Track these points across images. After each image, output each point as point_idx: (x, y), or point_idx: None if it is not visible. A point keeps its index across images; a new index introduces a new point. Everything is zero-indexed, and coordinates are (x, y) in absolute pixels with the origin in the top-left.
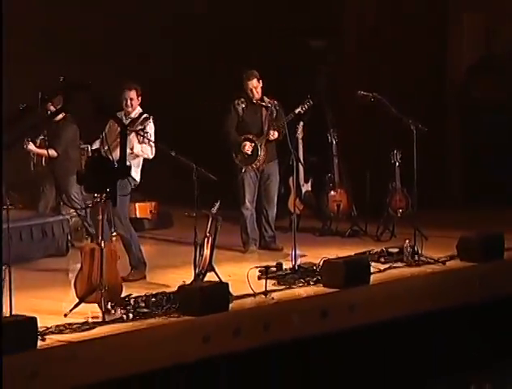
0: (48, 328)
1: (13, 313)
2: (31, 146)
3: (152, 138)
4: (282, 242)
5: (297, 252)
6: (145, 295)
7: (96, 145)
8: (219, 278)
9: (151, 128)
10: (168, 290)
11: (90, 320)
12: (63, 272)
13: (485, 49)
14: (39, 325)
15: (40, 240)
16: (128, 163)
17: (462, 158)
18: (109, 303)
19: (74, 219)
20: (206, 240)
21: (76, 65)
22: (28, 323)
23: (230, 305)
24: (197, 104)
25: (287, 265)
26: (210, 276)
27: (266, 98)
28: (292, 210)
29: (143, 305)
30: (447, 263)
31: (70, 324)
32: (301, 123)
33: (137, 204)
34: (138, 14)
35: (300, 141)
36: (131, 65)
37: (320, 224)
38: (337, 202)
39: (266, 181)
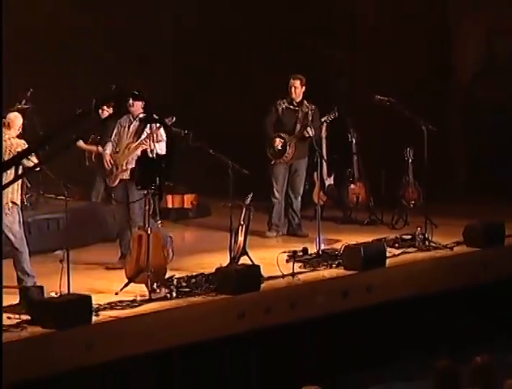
0: (101, 305)
1: (71, 291)
2: (80, 143)
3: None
4: (308, 230)
5: (321, 238)
6: (186, 276)
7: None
8: (251, 261)
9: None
10: (206, 272)
11: (138, 298)
12: (114, 256)
13: (486, 49)
14: (93, 302)
15: (94, 227)
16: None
17: (466, 156)
18: (155, 283)
19: None
20: (240, 228)
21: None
22: (84, 301)
23: (261, 285)
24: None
25: (311, 250)
26: (243, 260)
27: (305, 102)
28: (317, 201)
29: (185, 285)
30: (454, 249)
31: (120, 302)
32: (325, 124)
33: (185, 196)
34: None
35: (324, 140)
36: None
37: (341, 214)
38: (356, 194)
39: (293, 175)
